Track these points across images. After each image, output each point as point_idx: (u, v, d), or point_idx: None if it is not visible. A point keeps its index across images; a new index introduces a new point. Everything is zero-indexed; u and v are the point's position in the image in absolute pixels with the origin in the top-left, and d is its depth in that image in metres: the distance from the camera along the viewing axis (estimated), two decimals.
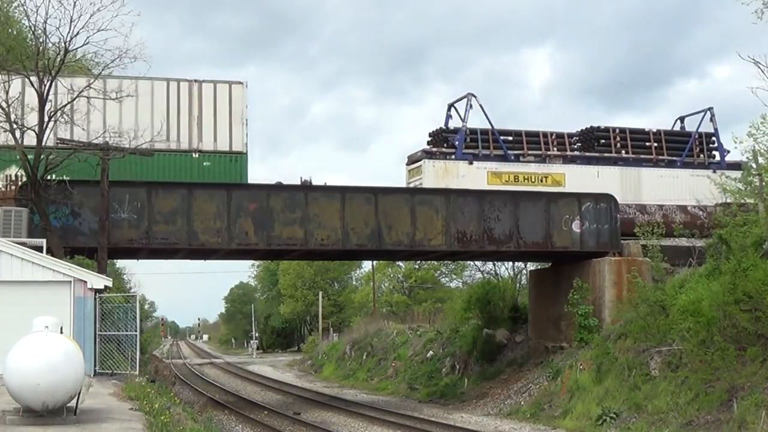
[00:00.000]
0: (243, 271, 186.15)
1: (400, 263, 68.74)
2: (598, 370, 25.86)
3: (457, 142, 34.75)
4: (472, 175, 33.95)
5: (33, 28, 24.83)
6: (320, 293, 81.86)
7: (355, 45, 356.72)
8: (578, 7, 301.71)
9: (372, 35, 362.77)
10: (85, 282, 21.41)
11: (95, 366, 21.72)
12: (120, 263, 53.13)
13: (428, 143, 35.91)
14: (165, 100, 29.11)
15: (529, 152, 35.56)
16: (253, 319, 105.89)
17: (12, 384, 13.06)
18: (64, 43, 24.21)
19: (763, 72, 24.14)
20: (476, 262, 49.68)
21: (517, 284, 44.19)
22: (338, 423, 27.93)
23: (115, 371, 22.19)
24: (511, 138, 35.95)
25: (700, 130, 38.44)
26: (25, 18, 26.45)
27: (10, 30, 30.49)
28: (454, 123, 36.12)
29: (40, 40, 24.56)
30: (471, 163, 34.41)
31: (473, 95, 35.51)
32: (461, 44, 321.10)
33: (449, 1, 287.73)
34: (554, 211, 29.82)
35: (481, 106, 35.58)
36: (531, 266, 38.01)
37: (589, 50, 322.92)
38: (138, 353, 23.05)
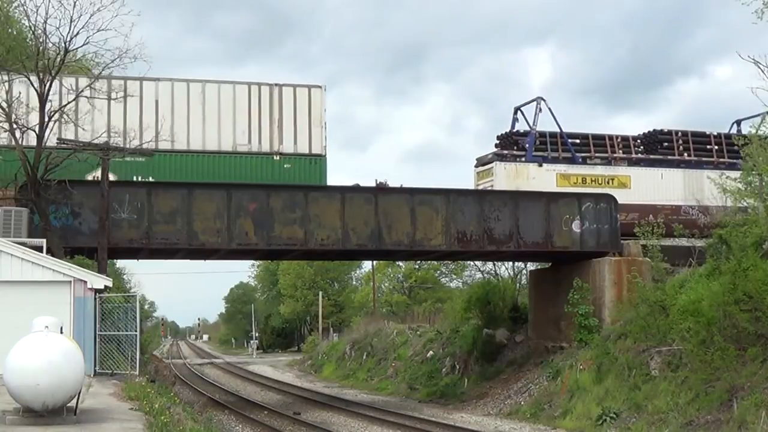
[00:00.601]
0: (243, 271, 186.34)
1: (400, 263, 68.74)
2: (598, 370, 25.87)
3: (527, 145, 35.18)
4: (542, 177, 34.35)
5: (33, 28, 24.85)
6: (320, 293, 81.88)
7: (355, 45, 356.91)
8: (578, 7, 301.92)
9: (372, 35, 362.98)
10: (85, 282, 21.41)
11: (95, 366, 21.72)
12: (120, 263, 53.13)
13: (496, 146, 36.34)
14: (247, 103, 29.97)
15: (596, 155, 35.89)
16: (253, 319, 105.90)
17: (12, 384, 13.06)
18: (64, 43, 24.24)
19: (763, 72, 24.11)
20: (476, 262, 49.67)
21: (517, 284, 44.19)
22: (338, 423, 27.93)
23: (115, 371, 22.18)
24: (578, 141, 36.50)
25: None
26: (25, 18, 26.46)
27: (10, 30, 30.49)
28: (520, 126, 36.58)
29: (40, 40, 24.57)
30: (540, 165, 34.80)
31: (542, 99, 35.96)
32: (461, 44, 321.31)
33: (449, 1, 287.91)
34: (554, 211, 29.82)
35: (549, 109, 36.16)
36: (531, 266, 38.02)
37: (590, 50, 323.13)
38: (138, 353, 23.04)
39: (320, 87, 31.26)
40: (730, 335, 20.50)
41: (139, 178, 27.89)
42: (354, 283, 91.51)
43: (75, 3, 23.76)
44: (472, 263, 52.30)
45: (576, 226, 29.82)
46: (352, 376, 47.90)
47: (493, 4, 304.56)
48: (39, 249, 22.08)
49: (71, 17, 23.87)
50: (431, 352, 40.72)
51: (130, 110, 28.39)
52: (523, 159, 34.76)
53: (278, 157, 30.03)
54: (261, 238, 27.22)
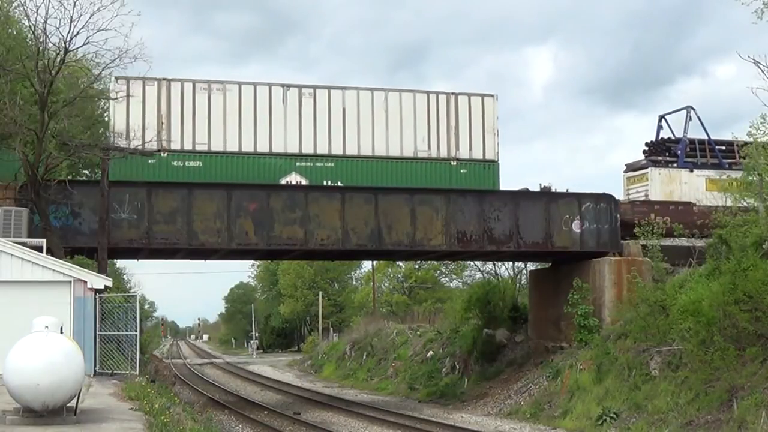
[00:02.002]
0: (243, 271, 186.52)
1: (400, 263, 68.73)
2: (598, 370, 25.86)
3: (679, 152, 36.13)
4: (693, 183, 35.42)
5: (33, 28, 24.81)
6: (320, 293, 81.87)
7: (356, 44, 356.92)
8: (580, 7, 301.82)
9: (373, 34, 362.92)
10: (85, 282, 21.41)
11: (95, 366, 21.72)
12: (120, 263, 53.23)
13: (644, 152, 37.41)
14: (426, 111, 31.42)
15: (742, 160, 36.55)
16: (253, 319, 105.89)
17: (12, 384, 13.06)
18: (64, 43, 24.19)
19: (763, 72, 24.07)
20: (476, 262, 49.69)
21: (517, 284, 44.21)
22: (338, 423, 27.94)
23: (115, 371, 22.18)
24: (724, 147, 37.17)
25: None
26: (25, 18, 26.42)
27: (10, 30, 30.48)
28: (664, 133, 37.94)
29: (40, 40, 24.54)
30: (691, 171, 35.80)
31: (692, 108, 36.90)
32: (462, 43, 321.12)
33: (450, 0, 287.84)
34: (554, 211, 29.82)
35: (698, 117, 37.18)
36: (531, 266, 38.02)
37: (592, 49, 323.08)
38: (138, 353, 23.05)
39: (492, 96, 32.56)
40: (730, 335, 20.49)
41: (329, 182, 29.57)
42: (354, 283, 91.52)
43: (75, 3, 23.71)
44: (472, 263, 52.33)
45: (576, 226, 29.82)
46: (352, 376, 47.90)
47: (494, 4, 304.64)
48: (39, 249, 22.08)
49: (71, 17, 23.83)
50: (431, 352, 40.72)
51: (320, 118, 30.18)
52: (675, 165, 35.75)
53: (455, 163, 31.43)
54: (261, 238, 27.23)
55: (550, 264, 33.70)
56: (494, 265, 47.82)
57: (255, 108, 29.60)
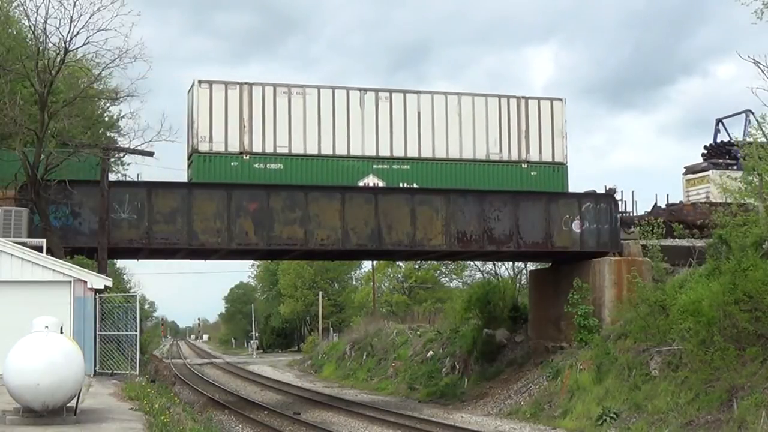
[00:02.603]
0: (243, 271, 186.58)
1: (400, 263, 68.74)
2: (598, 370, 25.86)
3: (738, 154, 35.81)
4: None
5: (33, 28, 24.82)
6: (320, 293, 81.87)
7: (357, 44, 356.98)
8: (581, 7, 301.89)
9: (374, 34, 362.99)
10: (85, 282, 21.41)
11: (95, 366, 21.72)
12: (120, 263, 53.20)
13: (703, 155, 38.12)
14: (497, 114, 32.36)
15: None
16: (253, 319, 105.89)
17: (12, 384, 13.06)
18: (64, 43, 24.20)
19: (763, 72, 24.08)
20: (476, 262, 49.70)
21: (517, 284, 44.20)
22: (338, 423, 27.93)
23: (115, 371, 22.19)
24: None
25: None
26: (25, 18, 26.46)
27: (10, 30, 30.49)
28: (721, 136, 38.88)
29: (40, 40, 24.54)
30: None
31: (751, 111, 36.98)
32: (464, 43, 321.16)
33: (451, 0, 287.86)
34: (554, 211, 29.81)
35: (758, 120, 37.49)
36: (531, 266, 38.01)
37: (593, 49, 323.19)
38: (138, 353, 23.05)
39: (561, 100, 33.45)
40: (730, 335, 20.49)
41: (405, 185, 30.43)
42: (354, 283, 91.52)
43: (75, 3, 23.73)
44: (472, 263, 52.34)
45: (576, 226, 29.81)
46: (352, 376, 47.90)
47: (494, 4, 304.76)
48: (39, 249, 22.08)
49: (71, 17, 23.85)
50: (431, 352, 40.72)
51: (395, 121, 31.21)
52: (735, 167, 35.67)
53: (526, 165, 32.35)
54: (261, 238, 27.23)
55: (550, 264, 33.70)
56: (494, 265, 47.82)
57: (333, 111, 30.64)
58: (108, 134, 37.01)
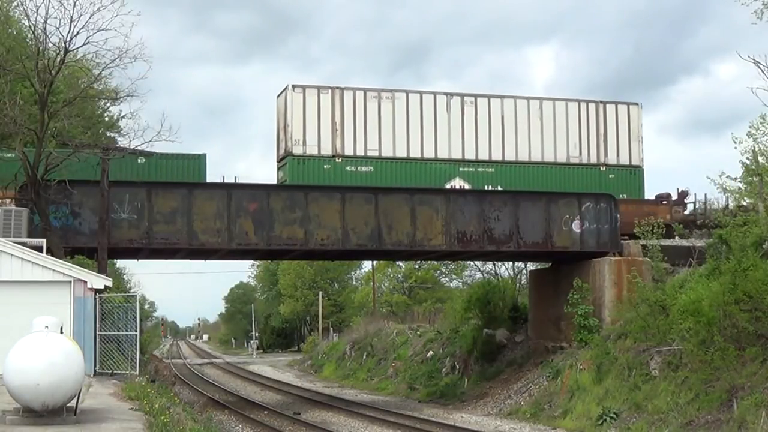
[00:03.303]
0: (243, 271, 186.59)
1: (400, 263, 68.75)
2: (598, 370, 25.86)
3: None
4: None
5: (33, 28, 24.83)
6: (320, 293, 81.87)
7: (357, 44, 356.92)
8: (581, 6, 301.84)
9: (374, 34, 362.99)
10: (85, 282, 21.41)
11: (95, 366, 21.72)
12: (120, 263, 53.21)
13: None
14: (577, 118, 33.83)
15: None
16: (253, 319, 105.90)
17: (12, 384, 13.06)
18: (64, 43, 24.21)
19: (762, 72, 24.13)
20: (476, 262, 49.71)
21: (517, 284, 44.25)
22: (338, 423, 27.93)
23: (115, 371, 22.18)
24: None
25: None
26: (25, 18, 26.49)
27: (10, 30, 30.52)
28: None
29: (40, 40, 24.55)
30: None
31: None
32: (464, 43, 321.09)
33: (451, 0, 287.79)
34: (554, 211, 29.80)
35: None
36: (531, 266, 38.01)
37: (594, 49, 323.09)
38: (138, 353, 23.05)
39: (637, 104, 34.62)
40: (730, 335, 20.50)
41: (490, 187, 31.64)
42: (354, 283, 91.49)
43: (75, 3, 23.74)
44: (472, 263, 52.35)
45: (576, 226, 29.81)
46: (352, 376, 47.90)
47: (495, 3, 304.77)
48: (39, 249, 22.07)
49: (71, 17, 23.85)
50: (431, 352, 40.72)
51: (480, 125, 32.52)
52: None
53: (604, 168, 33.65)
54: (261, 238, 27.22)
55: (550, 264, 33.70)
56: (494, 265, 47.85)
57: (421, 115, 32.00)
58: (108, 134, 37.07)
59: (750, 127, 30.01)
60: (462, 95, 33.22)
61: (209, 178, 30.11)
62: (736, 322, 20.43)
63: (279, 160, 31.92)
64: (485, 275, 49.25)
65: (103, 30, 24.15)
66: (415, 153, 31.83)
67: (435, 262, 63.39)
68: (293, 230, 27.42)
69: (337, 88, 31.63)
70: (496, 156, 32.80)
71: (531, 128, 33.24)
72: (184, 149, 34.45)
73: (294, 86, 31.02)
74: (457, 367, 36.66)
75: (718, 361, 20.13)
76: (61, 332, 13.98)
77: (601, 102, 34.38)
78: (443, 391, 34.81)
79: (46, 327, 13.61)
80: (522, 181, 32.46)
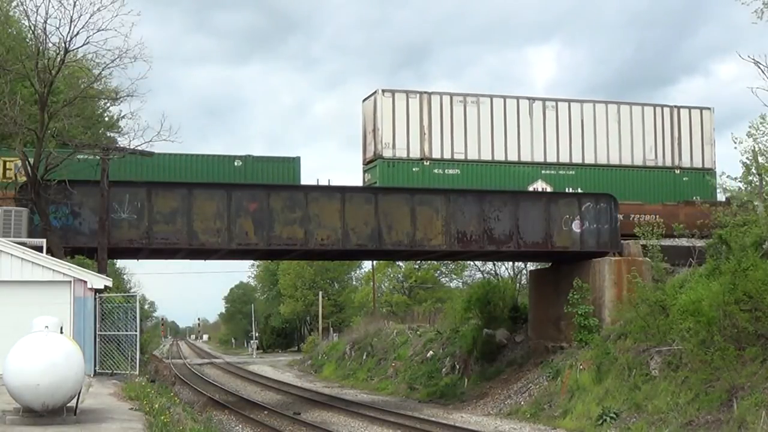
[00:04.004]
0: (243, 271, 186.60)
1: (400, 263, 68.74)
2: (598, 370, 25.86)
3: None
4: None
5: (33, 28, 24.83)
6: (320, 293, 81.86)
7: (358, 43, 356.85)
8: (584, 5, 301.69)
9: (375, 33, 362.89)
10: (85, 282, 21.40)
11: (95, 366, 21.72)
12: (120, 263, 53.24)
13: None
14: (653, 123, 34.95)
15: None
16: (253, 319, 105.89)
17: (12, 384, 13.05)
18: (64, 43, 24.21)
19: (763, 72, 24.11)
20: (476, 262, 49.70)
21: (517, 284, 44.23)
22: (338, 423, 27.93)
23: (115, 371, 22.17)
24: None
25: None
26: (25, 18, 26.47)
27: (10, 30, 30.51)
28: None
29: (40, 40, 24.55)
30: None
31: None
32: (465, 42, 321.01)
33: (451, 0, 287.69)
34: (554, 211, 29.79)
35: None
36: (531, 266, 38.01)
37: (595, 48, 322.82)
38: (138, 353, 23.04)
39: (709, 109, 35.65)
40: (730, 335, 20.50)
41: (570, 189, 32.39)
42: (354, 283, 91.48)
43: (75, 3, 23.75)
44: (472, 263, 52.33)
45: (576, 226, 29.80)
46: (352, 376, 47.89)
47: (496, 3, 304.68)
48: (39, 249, 22.06)
49: (71, 17, 23.85)
50: (431, 352, 40.71)
51: (561, 129, 33.61)
52: None
53: (678, 171, 34.63)
54: (261, 238, 27.21)
55: (550, 264, 33.70)
56: (494, 265, 47.83)
57: (505, 119, 33.09)
58: (108, 134, 37.05)
59: (750, 127, 29.98)
60: (543, 100, 34.52)
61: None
62: (736, 322, 20.44)
63: (366, 163, 33.16)
64: (485, 275, 49.25)
65: (103, 30, 24.18)
66: (499, 156, 32.99)
67: (435, 262, 63.36)
68: (293, 230, 27.41)
69: (425, 92, 32.76)
70: (577, 159, 34.03)
71: (609, 132, 34.49)
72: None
73: (383, 90, 32.20)
74: (457, 367, 36.66)
75: (718, 361, 20.12)
76: (61, 332, 13.98)
77: (675, 107, 35.48)
78: (443, 391, 34.80)
79: (46, 327, 13.61)
80: (601, 184, 33.58)
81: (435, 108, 32.50)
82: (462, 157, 32.61)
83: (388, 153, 31.68)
